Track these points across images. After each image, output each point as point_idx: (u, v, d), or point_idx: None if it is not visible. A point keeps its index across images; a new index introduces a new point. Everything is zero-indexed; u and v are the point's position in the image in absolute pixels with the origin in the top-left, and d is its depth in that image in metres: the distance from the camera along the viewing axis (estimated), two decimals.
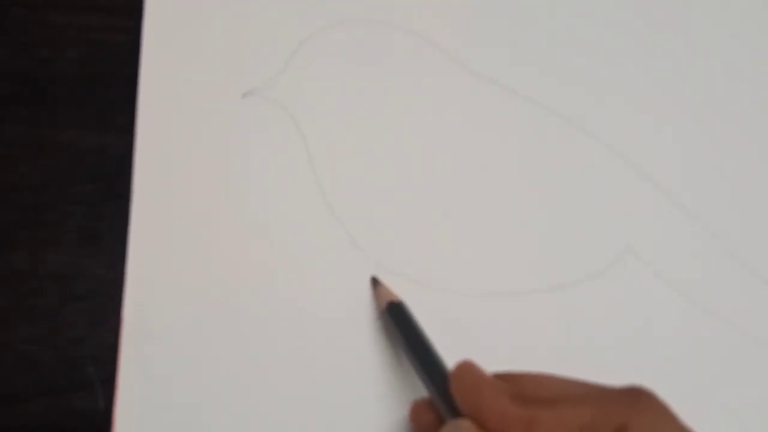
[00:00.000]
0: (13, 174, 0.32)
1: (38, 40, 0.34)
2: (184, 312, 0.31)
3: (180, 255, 0.31)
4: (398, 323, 0.30)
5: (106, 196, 0.32)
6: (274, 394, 0.30)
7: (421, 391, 0.30)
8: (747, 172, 0.36)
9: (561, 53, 0.37)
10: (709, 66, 0.38)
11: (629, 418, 0.23)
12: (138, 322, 0.30)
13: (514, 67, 0.36)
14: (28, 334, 0.30)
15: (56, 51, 0.34)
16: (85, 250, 0.31)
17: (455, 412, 0.26)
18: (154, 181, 0.32)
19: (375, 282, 0.32)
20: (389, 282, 0.32)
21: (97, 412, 0.29)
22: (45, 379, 0.29)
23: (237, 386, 0.30)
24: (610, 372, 0.31)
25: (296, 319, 0.31)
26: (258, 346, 0.31)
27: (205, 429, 0.29)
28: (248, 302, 0.31)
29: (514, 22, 0.37)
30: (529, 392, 0.25)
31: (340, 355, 0.31)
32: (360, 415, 0.30)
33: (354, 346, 0.31)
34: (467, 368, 0.26)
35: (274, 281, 0.32)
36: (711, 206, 0.35)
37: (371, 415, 0.30)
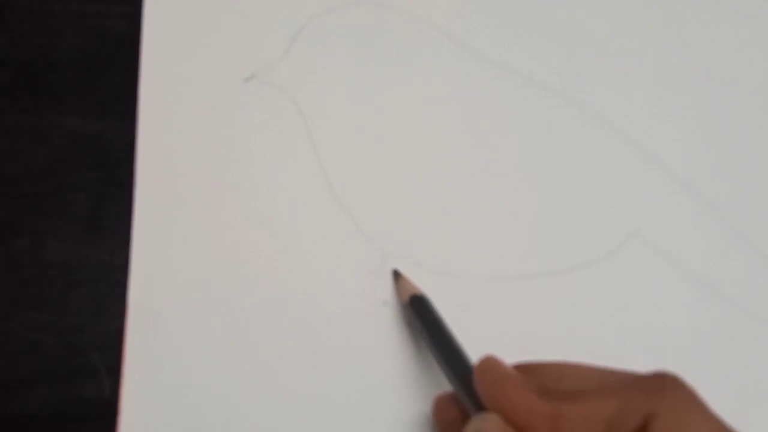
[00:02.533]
0: (14, 163, 0.32)
1: (38, 28, 0.34)
2: (188, 299, 0.30)
3: (184, 242, 0.31)
4: (421, 317, 0.30)
5: (108, 183, 0.32)
6: (280, 381, 0.30)
7: (429, 381, 0.30)
8: (753, 154, 0.36)
9: (567, 36, 0.37)
10: (716, 48, 0.38)
11: (656, 407, 0.23)
12: (143, 308, 0.30)
13: (519, 51, 0.36)
14: (32, 322, 0.30)
15: (56, 38, 0.34)
16: (88, 238, 0.31)
17: (480, 407, 0.25)
18: (156, 168, 0.32)
19: (397, 275, 0.32)
20: (398, 263, 0.32)
21: (103, 399, 0.29)
22: (50, 366, 0.29)
23: (242, 373, 0.30)
24: (619, 355, 0.31)
25: (301, 305, 0.31)
26: (263, 332, 0.30)
27: (211, 415, 0.29)
28: (253, 288, 0.31)
29: (514, 3, 0.37)
30: (553, 385, 0.25)
31: (345, 343, 0.31)
32: (364, 404, 0.30)
33: (358, 333, 0.31)
34: (491, 363, 0.26)
35: (279, 268, 0.31)
36: (718, 189, 0.35)
37: (374, 405, 0.30)
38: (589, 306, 0.33)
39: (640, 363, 0.26)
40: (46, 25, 0.34)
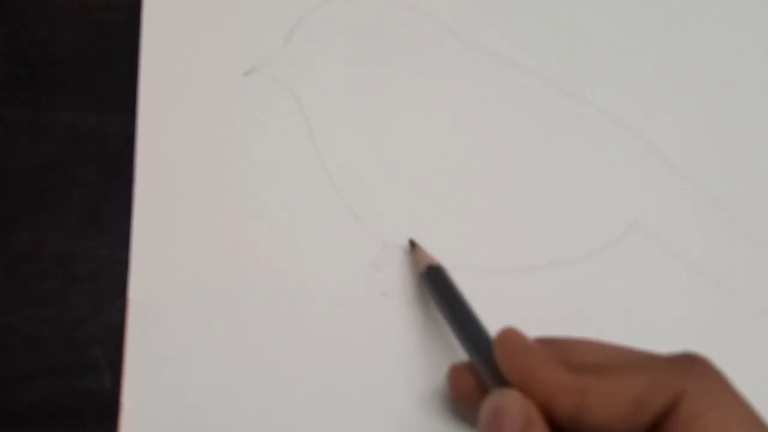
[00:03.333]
0: (14, 157, 0.32)
1: (37, 22, 0.34)
2: (189, 292, 0.30)
3: (184, 235, 0.31)
4: (437, 288, 0.29)
5: (107, 177, 0.32)
6: (281, 374, 0.30)
7: (430, 374, 0.30)
8: (754, 145, 0.36)
9: (567, 30, 0.37)
10: (717, 41, 0.38)
11: (685, 386, 0.22)
12: (143, 302, 0.30)
13: (520, 45, 0.36)
14: (33, 316, 0.30)
15: (55, 32, 0.34)
16: (88, 232, 0.31)
17: (499, 380, 0.25)
18: (156, 162, 0.32)
19: (413, 245, 0.31)
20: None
21: (104, 393, 0.29)
22: (51, 360, 0.29)
23: (243, 366, 0.30)
24: None
25: (301, 297, 0.31)
26: (263, 325, 0.30)
27: (212, 409, 0.29)
28: (253, 281, 0.31)
29: None
30: (578, 359, 0.24)
31: (345, 335, 0.31)
32: (364, 397, 0.30)
33: (359, 326, 0.31)
34: (512, 335, 0.25)
35: (279, 260, 0.31)
36: (718, 179, 0.35)
37: (375, 398, 0.30)
38: (590, 297, 0.33)
39: None
40: (46, 20, 0.34)
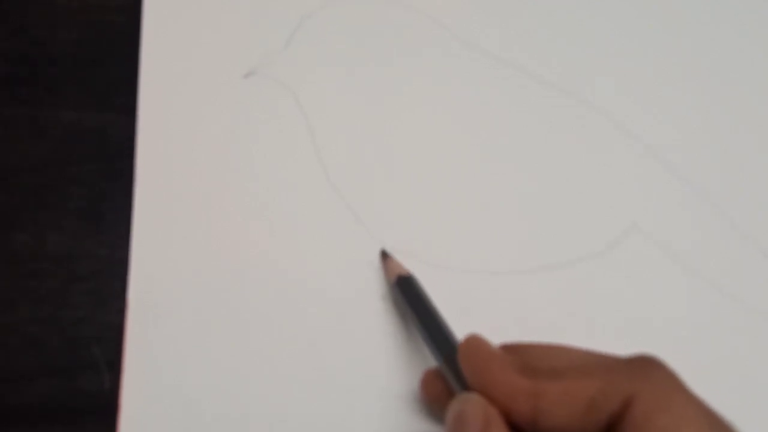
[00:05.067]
0: (14, 155, 0.32)
1: (37, 21, 0.34)
2: (188, 292, 0.30)
3: (183, 235, 0.31)
4: (408, 297, 0.30)
5: (107, 176, 0.32)
6: (279, 374, 0.30)
7: (429, 366, 0.30)
8: (753, 148, 0.36)
9: (566, 31, 0.37)
10: (715, 42, 0.38)
11: (637, 389, 0.23)
12: (143, 302, 0.30)
13: (519, 45, 0.36)
14: (32, 315, 0.30)
15: (55, 31, 0.34)
16: (88, 231, 0.31)
17: (464, 384, 0.26)
18: (156, 161, 0.32)
19: (384, 255, 0.32)
20: (397, 256, 0.32)
21: (103, 392, 0.29)
22: (50, 360, 0.29)
23: (242, 366, 0.30)
24: (617, 349, 0.31)
25: (300, 297, 0.31)
26: (262, 325, 0.30)
27: (211, 408, 0.29)
28: (252, 281, 0.31)
29: None
30: (536, 363, 0.25)
31: (344, 336, 0.31)
32: (363, 397, 0.30)
33: (359, 324, 0.31)
34: (475, 342, 0.26)
35: (278, 261, 0.31)
36: (718, 181, 0.35)
37: (373, 398, 0.30)
38: (588, 300, 0.33)
39: None
40: (46, 18, 0.34)
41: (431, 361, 0.30)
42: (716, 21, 0.38)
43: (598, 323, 0.33)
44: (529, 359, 0.25)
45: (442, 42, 0.36)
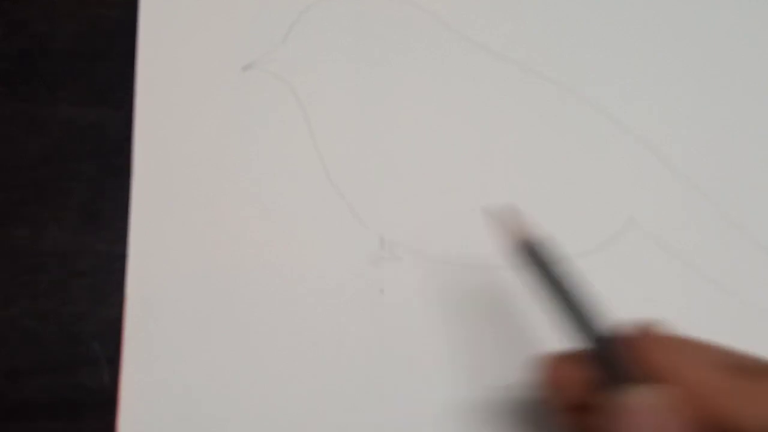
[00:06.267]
0: (12, 151, 0.32)
1: (34, 17, 0.34)
2: (187, 287, 0.31)
3: (181, 231, 0.31)
4: (544, 267, 0.26)
5: (105, 172, 0.32)
6: (277, 369, 0.30)
7: (434, 362, 0.30)
8: (749, 142, 0.36)
9: (567, 25, 0.37)
10: (713, 38, 0.38)
11: None
12: (141, 297, 0.30)
13: (518, 39, 0.36)
14: (31, 310, 0.30)
15: (53, 27, 0.34)
16: (86, 227, 0.31)
17: (620, 372, 0.23)
18: (154, 157, 0.32)
19: (511, 212, 0.27)
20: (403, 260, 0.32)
21: (102, 387, 0.29)
22: (49, 355, 0.29)
23: (240, 361, 0.30)
24: None
25: (298, 292, 0.31)
26: (260, 320, 0.31)
27: (209, 403, 0.29)
28: (250, 276, 0.31)
29: None
30: (728, 362, 0.23)
31: (342, 331, 0.31)
32: (361, 392, 0.30)
33: (356, 321, 0.31)
34: (656, 329, 0.24)
35: (276, 256, 0.31)
36: (713, 177, 0.35)
37: (371, 393, 0.30)
38: None
39: None
40: (44, 14, 0.34)
41: (431, 358, 0.30)
42: (716, 20, 0.38)
43: None
44: (717, 357, 0.23)
45: (441, 37, 0.36)
